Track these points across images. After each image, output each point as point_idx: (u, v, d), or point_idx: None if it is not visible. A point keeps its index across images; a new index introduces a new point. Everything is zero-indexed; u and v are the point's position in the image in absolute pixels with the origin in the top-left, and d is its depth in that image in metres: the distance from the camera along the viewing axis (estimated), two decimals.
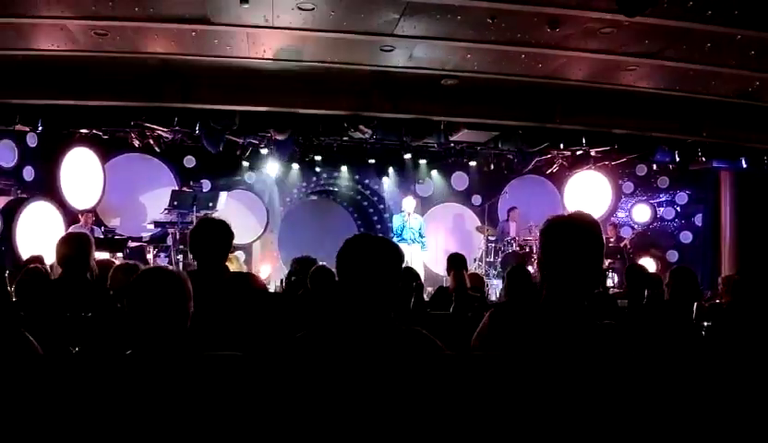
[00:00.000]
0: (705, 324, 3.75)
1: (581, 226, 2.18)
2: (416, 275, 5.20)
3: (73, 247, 4.01)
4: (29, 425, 2.05)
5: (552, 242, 2.19)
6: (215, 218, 3.75)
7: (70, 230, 10.02)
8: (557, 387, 2.02)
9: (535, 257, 10.63)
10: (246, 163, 12.47)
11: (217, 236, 3.57)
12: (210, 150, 10.55)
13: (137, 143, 11.08)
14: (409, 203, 11.81)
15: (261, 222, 12.77)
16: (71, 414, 2.07)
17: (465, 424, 2.01)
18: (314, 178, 13.32)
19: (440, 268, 11.08)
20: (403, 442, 1.98)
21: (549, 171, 13.51)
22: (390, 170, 13.22)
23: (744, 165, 11.47)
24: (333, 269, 2.28)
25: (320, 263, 5.28)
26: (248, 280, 3.91)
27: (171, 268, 2.44)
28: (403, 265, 2.37)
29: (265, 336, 3.34)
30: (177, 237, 10.23)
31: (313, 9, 6.32)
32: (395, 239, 11.45)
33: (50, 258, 5.49)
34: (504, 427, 2.00)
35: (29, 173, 10.20)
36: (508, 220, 12.70)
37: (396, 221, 11.67)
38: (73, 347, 3.06)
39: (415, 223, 11.55)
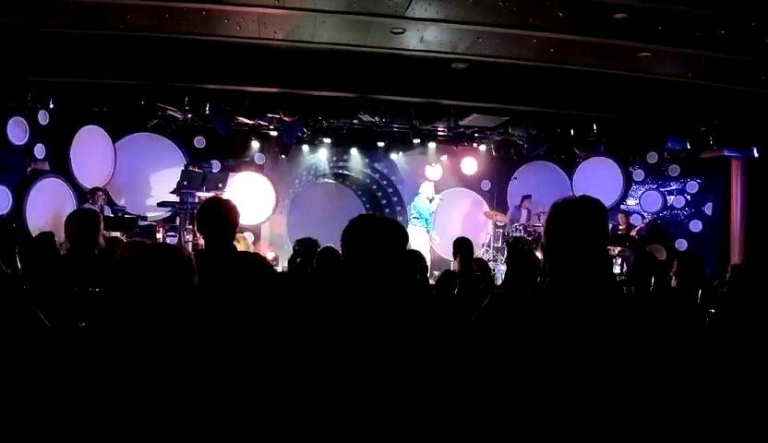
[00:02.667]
0: (710, 311, 3.75)
1: (586, 210, 2.17)
2: (421, 257, 5.22)
3: (82, 223, 4.04)
4: (35, 396, 2.09)
5: (557, 224, 2.19)
6: (222, 197, 3.76)
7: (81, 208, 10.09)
8: (557, 370, 2.03)
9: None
10: (255, 145, 12.49)
11: (224, 215, 3.59)
12: (219, 131, 10.60)
13: (147, 123, 11.10)
14: (428, 187, 11.90)
15: (270, 204, 12.79)
16: (76, 386, 2.10)
17: (464, 401, 2.03)
18: (323, 161, 13.32)
19: (448, 252, 11.10)
20: (403, 418, 2.01)
21: (559, 157, 13.47)
22: (400, 153, 13.21)
23: (756, 154, 11.40)
24: (340, 251, 2.30)
25: (327, 245, 5.31)
26: (255, 259, 3.94)
27: (174, 244, 2.47)
28: (408, 246, 2.38)
29: (271, 315, 3.36)
30: (187, 217, 10.27)
31: None
32: (417, 221, 11.55)
33: (60, 235, 5.53)
34: (503, 405, 2.02)
35: (40, 151, 10.26)
36: (520, 206, 12.70)
37: (421, 205, 11.75)
38: (80, 321, 3.09)
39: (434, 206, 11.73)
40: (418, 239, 11.19)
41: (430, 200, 11.82)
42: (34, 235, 7.80)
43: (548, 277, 2.20)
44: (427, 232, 11.70)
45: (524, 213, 12.55)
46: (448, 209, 13.79)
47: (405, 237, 2.30)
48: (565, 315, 2.10)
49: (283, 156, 12.44)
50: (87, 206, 9.94)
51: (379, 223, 2.28)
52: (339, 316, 2.22)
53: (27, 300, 2.83)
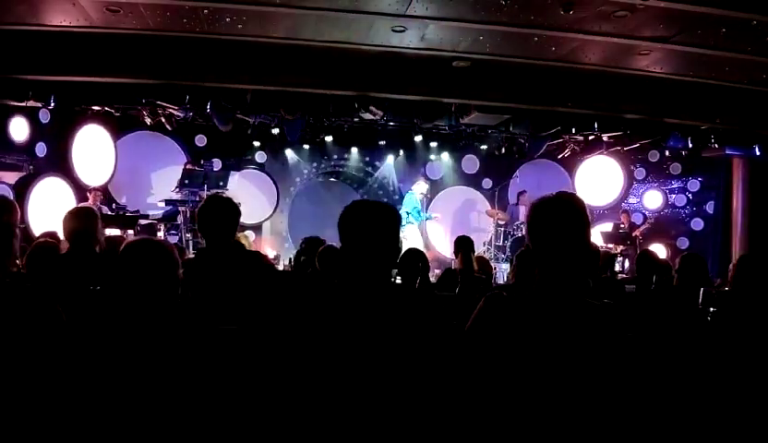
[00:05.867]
0: (711, 310, 3.74)
1: (563, 206, 2.19)
2: (422, 255, 5.22)
3: (80, 221, 4.04)
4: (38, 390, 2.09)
5: (536, 223, 2.21)
6: (222, 195, 3.76)
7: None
8: (550, 365, 2.03)
9: None
10: (256, 143, 12.50)
11: (224, 214, 3.59)
12: (220, 129, 10.61)
13: (148, 121, 11.10)
14: (421, 186, 11.94)
15: (271, 202, 12.80)
16: (71, 381, 2.11)
17: (455, 392, 2.06)
18: (324, 159, 13.33)
19: (449, 250, 11.11)
20: (400, 401, 2.04)
21: (561, 155, 13.46)
22: (401, 152, 13.21)
23: (757, 153, 11.39)
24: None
25: (328, 243, 5.31)
26: (256, 258, 3.94)
27: (157, 238, 2.51)
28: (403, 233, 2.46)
29: (271, 313, 3.36)
30: (188, 215, 10.28)
31: None
32: (406, 217, 11.63)
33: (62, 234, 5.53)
34: (496, 389, 2.04)
35: (41, 149, 10.26)
36: (518, 203, 12.70)
37: (409, 203, 11.79)
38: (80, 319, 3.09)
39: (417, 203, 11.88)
40: (411, 236, 11.39)
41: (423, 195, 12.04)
42: (36, 234, 7.81)
43: (538, 276, 2.20)
44: (425, 218, 11.89)
45: (522, 210, 12.54)
46: (449, 207, 13.80)
47: (398, 218, 2.39)
48: (556, 314, 2.10)
49: (287, 150, 12.49)
50: (84, 205, 9.95)
51: (373, 207, 2.39)
52: (338, 298, 2.29)
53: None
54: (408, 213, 11.78)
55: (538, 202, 2.22)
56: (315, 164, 13.36)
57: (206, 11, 6.88)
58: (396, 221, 2.38)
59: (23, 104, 9.51)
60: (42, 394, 2.19)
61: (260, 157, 12.78)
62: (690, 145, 11.44)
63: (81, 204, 9.92)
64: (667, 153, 12.70)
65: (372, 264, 2.29)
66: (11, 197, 9.35)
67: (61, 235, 5.64)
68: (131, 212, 10.78)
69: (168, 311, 2.37)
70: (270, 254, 11.37)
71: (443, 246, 12.99)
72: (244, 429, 2.30)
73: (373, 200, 2.52)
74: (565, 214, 2.16)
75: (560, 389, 1.98)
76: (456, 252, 6.04)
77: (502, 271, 10.70)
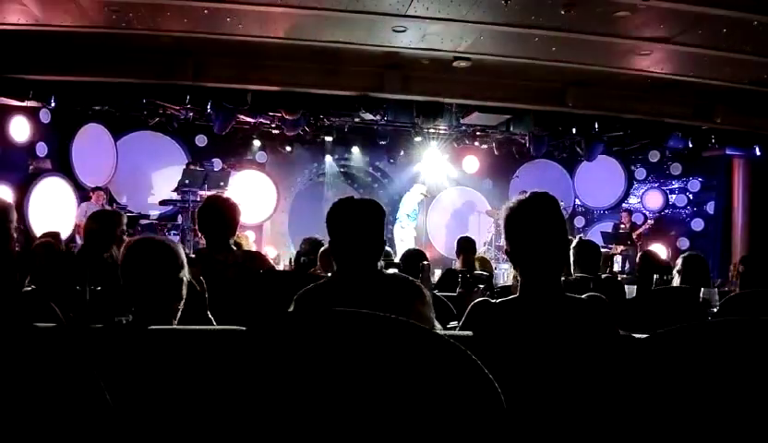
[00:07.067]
0: (713, 310, 3.74)
1: (536, 204, 2.20)
2: (423, 255, 5.21)
3: (100, 224, 3.98)
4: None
5: (513, 225, 2.21)
6: (222, 195, 3.77)
7: (81, 206, 10.12)
8: (540, 365, 2.02)
9: None
10: (257, 143, 12.50)
11: (224, 214, 3.59)
12: (215, 131, 10.63)
13: (149, 121, 11.10)
14: (421, 187, 11.98)
15: (271, 203, 12.80)
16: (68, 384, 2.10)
17: None
18: (324, 159, 13.33)
19: (450, 251, 11.11)
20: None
21: (561, 155, 13.45)
22: (401, 152, 13.20)
23: (758, 153, 11.38)
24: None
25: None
26: (256, 258, 3.94)
27: (161, 237, 2.51)
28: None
29: (271, 312, 3.36)
30: (188, 216, 10.27)
31: None
32: (406, 218, 11.69)
33: (63, 234, 5.53)
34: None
35: (41, 149, 10.26)
36: None
37: (408, 204, 11.85)
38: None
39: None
40: (409, 237, 11.43)
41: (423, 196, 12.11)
42: (36, 234, 7.81)
43: (521, 279, 2.20)
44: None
45: None
46: (449, 207, 13.80)
47: (381, 213, 2.51)
48: (542, 314, 2.09)
49: (288, 148, 12.51)
50: (88, 206, 9.96)
51: (355, 203, 2.52)
52: (332, 286, 2.43)
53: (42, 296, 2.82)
54: (408, 215, 11.79)
55: (512, 205, 2.23)
56: (315, 164, 13.36)
57: (206, 11, 6.87)
58: (379, 215, 2.48)
59: (24, 104, 9.51)
60: (41, 393, 2.18)
61: (260, 157, 12.78)
62: (691, 145, 11.44)
63: (85, 205, 9.99)
64: (668, 153, 12.71)
65: (358, 257, 2.40)
66: (11, 197, 9.39)
67: (63, 235, 5.66)
68: (131, 212, 10.79)
69: (170, 311, 2.37)
70: (272, 253, 11.37)
71: (444, 247, 12.99)
72: (244, 429, 2.29)
73: (358, 197, 2.61)
74: (540, 213, 2.16)
75: (551, 389, 1.98)
76: (458, 253, 6.04)
77: (502, 271, 10.68)
